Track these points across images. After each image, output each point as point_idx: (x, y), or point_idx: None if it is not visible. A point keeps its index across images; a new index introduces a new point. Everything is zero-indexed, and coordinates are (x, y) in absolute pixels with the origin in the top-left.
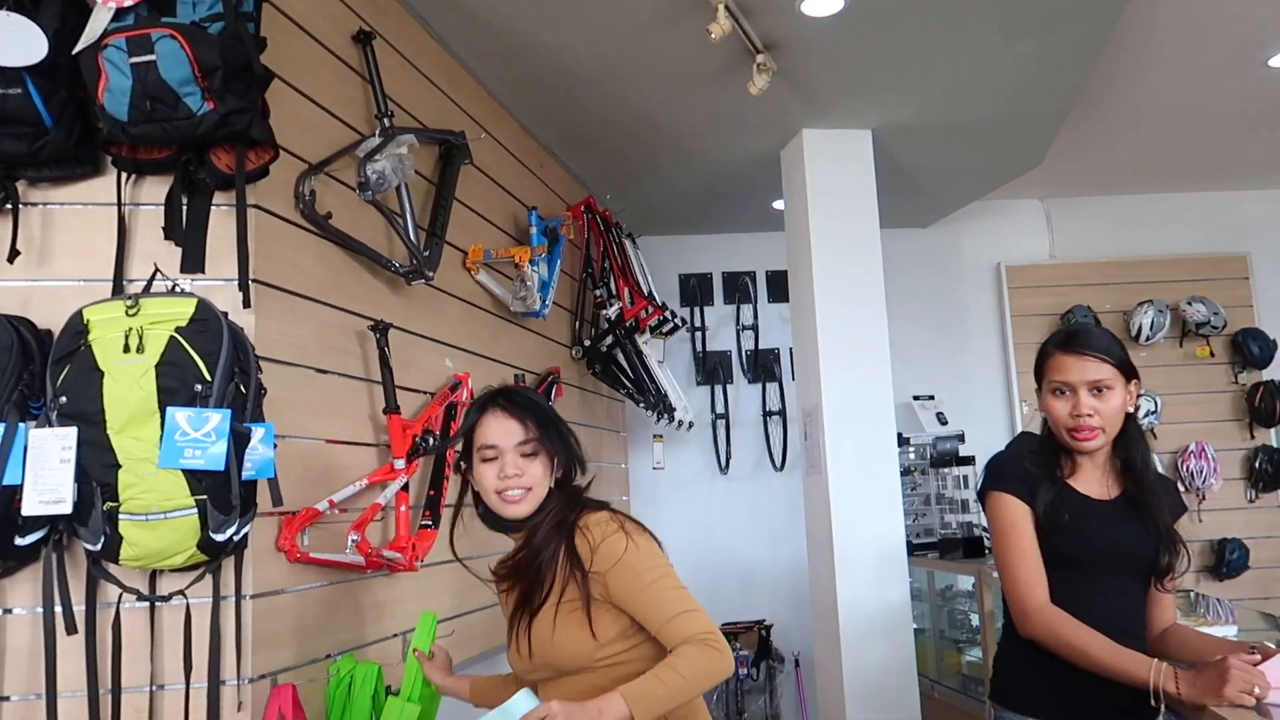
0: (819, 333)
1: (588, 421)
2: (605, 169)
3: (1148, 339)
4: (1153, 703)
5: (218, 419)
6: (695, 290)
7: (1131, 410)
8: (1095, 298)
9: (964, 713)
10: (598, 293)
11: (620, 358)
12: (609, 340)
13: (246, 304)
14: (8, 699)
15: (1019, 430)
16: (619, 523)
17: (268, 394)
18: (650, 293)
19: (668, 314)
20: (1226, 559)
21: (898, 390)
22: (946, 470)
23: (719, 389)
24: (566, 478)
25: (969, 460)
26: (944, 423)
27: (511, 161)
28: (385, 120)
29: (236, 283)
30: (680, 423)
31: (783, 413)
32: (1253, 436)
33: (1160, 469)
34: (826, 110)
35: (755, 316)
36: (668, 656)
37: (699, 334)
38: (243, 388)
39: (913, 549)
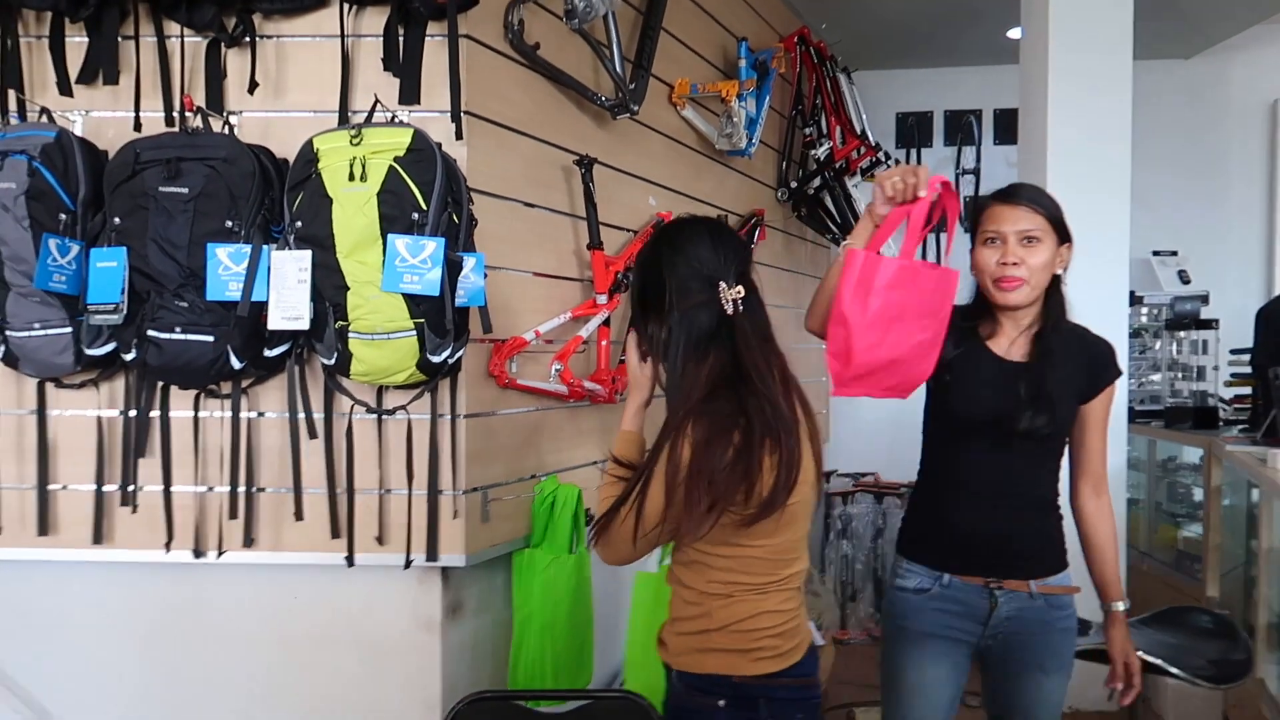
0: (1049, 180)
1: (790, 266)
2: None
3: None
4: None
5: (433, 246)
6: (913, 130)
7: (1059, 273)
8: None
9: (1174, 588)
10: (807, 131)
11: (828, 201)
12: (816, 182)
13: (459, 135)
14: (264, 490)
15: (1277, 292)
16: None
17: (478, 225)
18: (863, 132)
19: (881, 155)
20: None
21: (1136, 244)
22: (1184, 334)
23: (933, 237)
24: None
25: (1211, 324)
26: (1186, 281)
27: None
28: None
29: (449, 114)
30: None
31: None
32: None
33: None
34: None
35: (978, 160)
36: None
37: None
38: (455, 217)
39: (1135, 415)
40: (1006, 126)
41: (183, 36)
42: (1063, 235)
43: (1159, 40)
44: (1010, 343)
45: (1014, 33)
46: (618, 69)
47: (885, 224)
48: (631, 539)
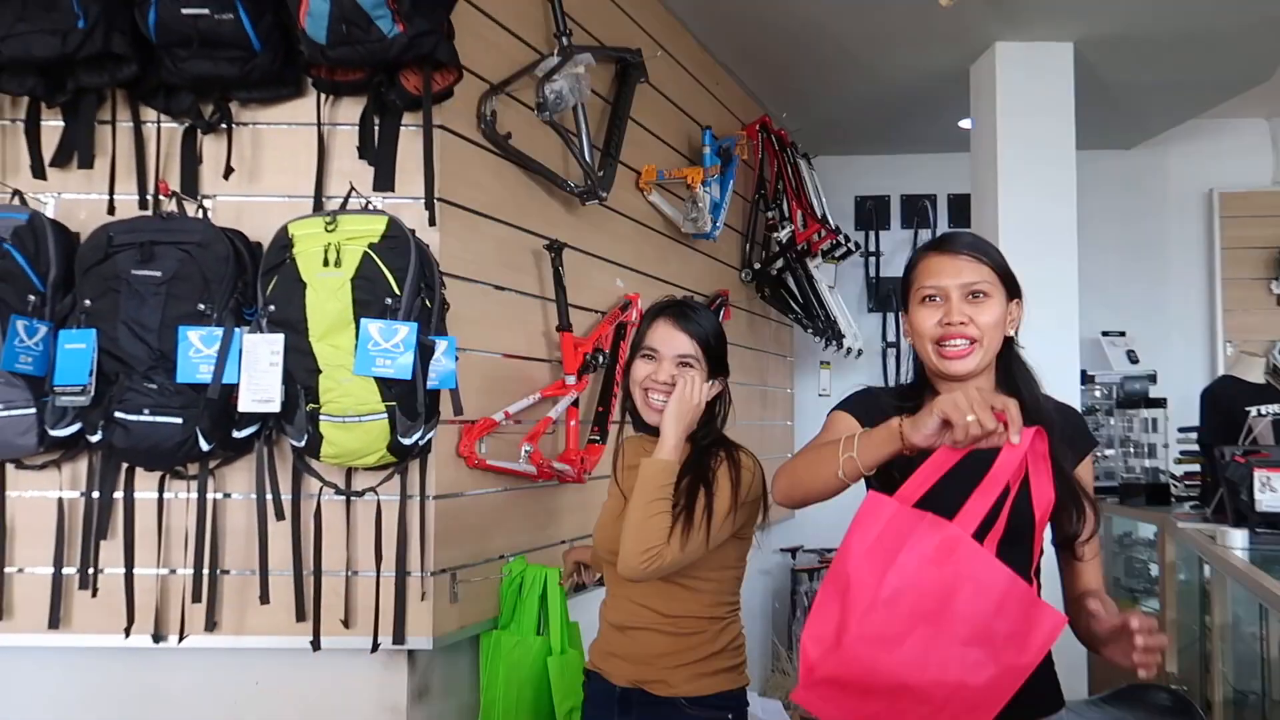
0: None
1: (754, 345)
2: (783, 86)
3: None
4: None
5: (406, 331)
6: (871, 213)
7: (1012, 334)
8: None
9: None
10: (769, 215)
11: (790, 282)
12: (779, 264)
13: (432, 222)
14: (228, 573)
15: (1220, 373)
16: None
17: (450, 309)
18: (824, 215)
19: (841, 238)
20: None
21: (1087, 324)
22: (1134, 412)
23: (892, 316)
24: (711, 407)
25: (1160, 402)
26: (1135, 361)
27: (687, 79)
28: (564, 39)
29: (423, 201)
30: (849, 350)
31: None
32: None
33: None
34: (1023, 21)
35: None
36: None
37: (873, 259)
38: (428, 302)
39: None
40: (960, 209)
41: (159, 122)
42: (1012, 289)
43: (1101, 132)
44: None
45: (965, 123)
46: (587, 158)
47: (927, 466)
48: (704, 543)
